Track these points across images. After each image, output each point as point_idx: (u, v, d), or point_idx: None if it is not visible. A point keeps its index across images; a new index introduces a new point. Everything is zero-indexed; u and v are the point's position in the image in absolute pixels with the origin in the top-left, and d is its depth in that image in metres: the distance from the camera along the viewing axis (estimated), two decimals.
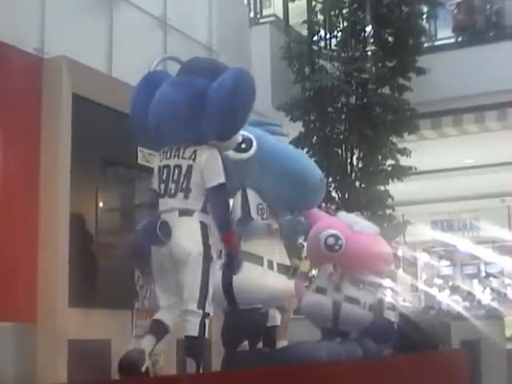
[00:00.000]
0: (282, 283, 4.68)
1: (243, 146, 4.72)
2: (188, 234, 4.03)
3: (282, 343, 5.03)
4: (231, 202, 4.54)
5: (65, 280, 4.77)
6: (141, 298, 5.39)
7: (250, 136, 4.79)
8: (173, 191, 4.10)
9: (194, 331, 3.93)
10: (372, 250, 5.56)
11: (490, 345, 5.49)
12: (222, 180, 4.05)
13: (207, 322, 3.96)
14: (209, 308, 3.97)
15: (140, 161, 5.64)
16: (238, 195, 4.69)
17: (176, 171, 4.11)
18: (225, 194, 4.13)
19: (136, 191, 6.28)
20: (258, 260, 4.63)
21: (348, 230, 5.47)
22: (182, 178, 4.10)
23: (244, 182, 4.71)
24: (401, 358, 5.22)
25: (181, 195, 4.09)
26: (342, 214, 5.99)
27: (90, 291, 4.96)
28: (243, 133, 4.65)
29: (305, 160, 5.31)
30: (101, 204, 5.40)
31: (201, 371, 3.92)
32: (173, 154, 4.16)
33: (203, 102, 4.07)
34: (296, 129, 12.37)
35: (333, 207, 12.36)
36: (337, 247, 5.31)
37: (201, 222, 4.05)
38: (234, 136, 4.23)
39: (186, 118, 4.13)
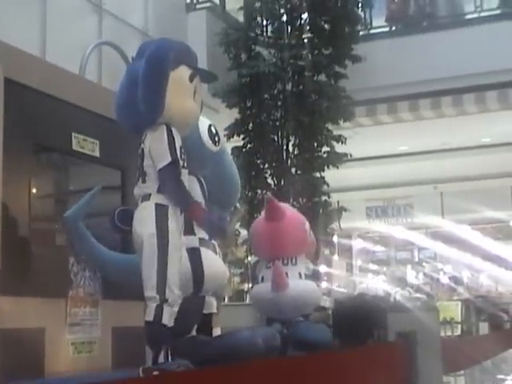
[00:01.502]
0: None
1: (216, 138, 4.74)
2: (142, 218, 3.99)
3: (216, 330, 5.02)
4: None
5: None
6: (75, 285, 5.32)
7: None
8: (136, 178, 4.13)
9: (149, 316, 3.84)
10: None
11: (425, 335, 5.59)
12: (168, 160, 3.97)
13: (166, 307, 3.84)
14: (169, 293, 3.85)
15: (75, 147, 5.55)
16: (196, 182, 4.63)
17: (139, 157, 4.13)
18: (175, 173, 4.01)
19: (70, 177, 6.20)
20: (213, 247, 4.61)
21: None
22: (139, 163, 4.11)
23: (201, 171, 4.68)
24: (337, 352, 5.26)
25: (140, 180, 4.10)
26: None
27: (22, 279, 4.87)
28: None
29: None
30: (34, 190, 5.30)
31: (160, 360, 3.82)
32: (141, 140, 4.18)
33: (136, 85, 4.12)
34: (232, 115, 12.35)
35: (268, 194, 12.41)
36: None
37: (156, 204, 3.98)
38: (153, 116, 4.15)
39: (124, 106, 4.23)
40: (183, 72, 4.15)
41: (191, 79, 4.17)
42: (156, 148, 4.01)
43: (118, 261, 4.67)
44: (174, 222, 3.98)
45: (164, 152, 3.98)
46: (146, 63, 4.09)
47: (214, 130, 4.72)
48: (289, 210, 5.94)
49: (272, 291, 5.48)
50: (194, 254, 4.38)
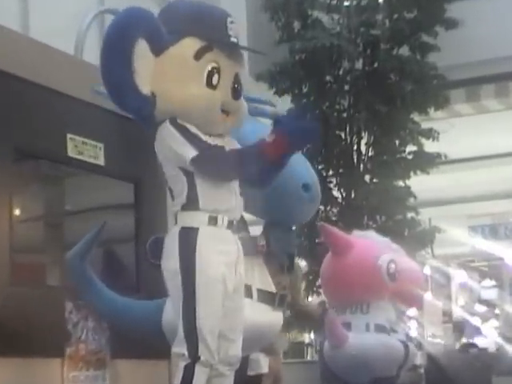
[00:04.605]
0: (264, 316, 4.56)
1: None
2: (165, 250, 3.98)
3: None
4: None
5: None
6: (74, 340, 5.37)
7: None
8: None
9: (177, 379, 3.81)
10: (420, 275, 6.23)
11: None
12: (193, 153, 3.84)
13: (199, 367, 3.79)
14: (203, 349, 3.79)
15: (70, 153, 5.61)
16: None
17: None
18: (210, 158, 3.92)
19: (66, 193, 6.26)
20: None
21: (392, 251, 5.83)
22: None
23: None
24: None
25: (171, 198, 4.09)
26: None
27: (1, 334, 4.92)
28: None
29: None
30: (17, 212, 5.38)
31: None
32: None
33: None
34: (283, 105, 12.36)
35: (334, 210, 12.40)
36: (397, 275, 5.83)
37: (181, 229, 3.91)
38: (125, 107, 4.07)
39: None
40: (186, 47, 3.96)
41: (198, 56, 3.95)
42: (167, 152, 3.94)
43: (134, 309, 4.67)
44: (211, 248, 3.88)
45: (182, 150, 3.87)
46: (104, 38, 3.95)
47: None
48: (361, 239, 6.00)
49: (330, 348, 5.59)
50: None
